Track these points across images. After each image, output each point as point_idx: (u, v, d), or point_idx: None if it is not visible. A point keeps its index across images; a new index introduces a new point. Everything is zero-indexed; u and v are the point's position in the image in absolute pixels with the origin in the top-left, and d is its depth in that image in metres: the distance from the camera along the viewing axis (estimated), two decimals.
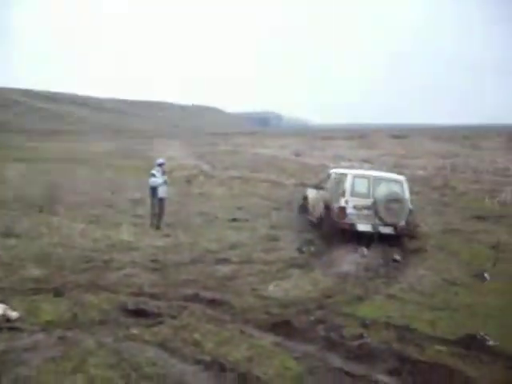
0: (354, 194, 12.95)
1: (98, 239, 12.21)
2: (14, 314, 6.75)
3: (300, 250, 11.86)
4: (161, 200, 14.42)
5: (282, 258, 11.18)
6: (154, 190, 14.44)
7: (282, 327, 6.81)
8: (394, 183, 13.59)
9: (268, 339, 6.46)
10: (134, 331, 6.49)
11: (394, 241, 12.72)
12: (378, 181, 13.30)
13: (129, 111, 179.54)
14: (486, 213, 18.24)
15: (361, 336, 6.59)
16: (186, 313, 7.24)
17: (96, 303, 7.49)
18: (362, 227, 12.69)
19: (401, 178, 14.12)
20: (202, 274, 9.63)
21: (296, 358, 5.86)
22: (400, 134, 73.99)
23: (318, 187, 15.31)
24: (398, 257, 11.43)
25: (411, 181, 26.83)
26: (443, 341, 6.62)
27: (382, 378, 5.42)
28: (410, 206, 13.46)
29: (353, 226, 12.69)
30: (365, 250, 11.87)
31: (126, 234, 12.67)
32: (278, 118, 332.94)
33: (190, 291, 8.38)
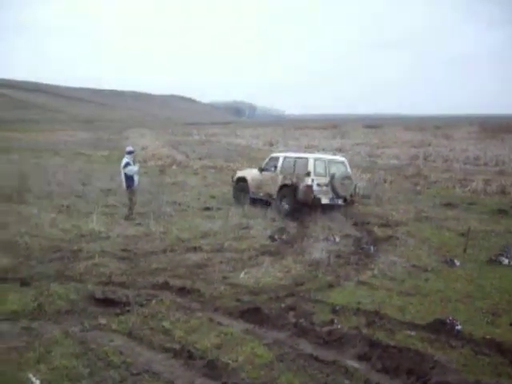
0: (316, 173, 14.95)
1: (67, 229, 12.04)
2: None
3: (272, 238, 11.83)
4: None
5: (254, 245, 11.13)
6: (131, 178, 14.29)
7: (252, 314, 6.75)
8: (341, 164, 15.95)
9: (238, 327, 6.41)
10: (102, 321, 6.39)
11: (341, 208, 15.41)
12: (330, 163, 15.66)
13: (102, 101, 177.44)
14: (457, 201, 18.43)
15: (331, 322, 6.57)
16: (155, 301, 7.15)
17: (63, 293, 7.36)
18: (325, 200, 14.92)
19: (344, 159, 16.65)
20: (172, 263, 9.54)
21: (266, 345, 5.81)
22: (373, 124, 74.46)
23: (260, 169, 16.84)
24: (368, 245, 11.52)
25: (385, 169, 27.25)
26: (413, 326, 6.63)
27: (351, 363, 5.40)
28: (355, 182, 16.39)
29: (318, 200, 14.75)
30: (337, 238, 11.92)
31: (96, 224, 12.49)
32: (252, 108, 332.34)
33: (159, 279, 8.29)
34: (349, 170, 15.85)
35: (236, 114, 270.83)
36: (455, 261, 10.20)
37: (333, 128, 71.47)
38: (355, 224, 13.99)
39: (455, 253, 10.93)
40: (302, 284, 8.46)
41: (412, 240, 12.07)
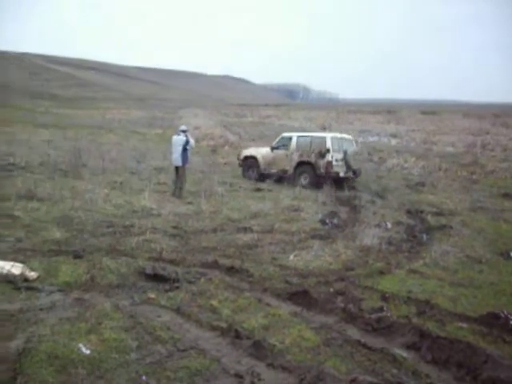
0: (334, 150, 16.91)
1: (120, 205, 12.26)
2: (32, 274, 6.77)
3: (323, 222, 11.73)
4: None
5: (304, 228, 11.06)
6: (187, 156, 14.73)
7: (300, 297, 6.70)
8: (350, 142, 18.19)
9: (286, 308, 6.37)
10: (151, 295, 6.47)
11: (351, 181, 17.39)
12: (343, 140, 17.74)
13: (156, 80, 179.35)
14: None
15: (380, 309, 6.45)
16: (203, 279, 7.19)
17: (114, 267, 7.48)
18: (342, 174, 17.03)
19: (351, 137, 19.27)
20: (222, 242, 9.57)
21: (313, 329, 5.76)
22: (430, 110, 72.76)
23: (272, 148, 18.66)
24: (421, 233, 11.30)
25: (440, 157, 26.61)
26: (465, 318, 6.43)
27: (399, 352, 5.29)
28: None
29: (337, 173, 16.95)
30: (389, 224, 11.72)
31: (148, 201, 12.67)
32: (306, 90, 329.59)
33: (209, 258, 8.33)
34: (355, 146, 18.45)
35: (290, 97, 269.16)
36: (511, 253, 9.88)
37: (387, 113, 70.17)
38: (408, 211, 13.70)
39: (511, 245, 10.57)
40: (351, 269, 8.34)
41: (466, 230, 11.74)
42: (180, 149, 14.31)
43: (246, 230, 10.63)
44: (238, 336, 5.36)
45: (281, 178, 17.91)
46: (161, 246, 8.87)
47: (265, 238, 10.00)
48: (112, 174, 17.34)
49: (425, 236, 10.98)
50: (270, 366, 4.82)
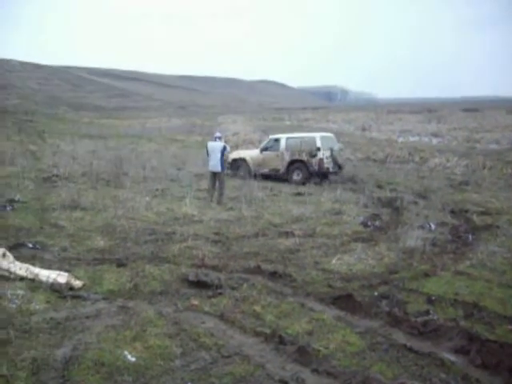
0: (323, 149, 18.57)
1: (161, 212, 12.38)
2: (77, 283, 6.89)
3: (365, 224, 11.60)
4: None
5: (346, 231, 10.95)
6: (224, 162, 15.04)
7: (344, 301, 6.62)
8: (334, 140, 20.16)
9: (330, 313, 6.30)
10: (194, 302, 6.50)
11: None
12: (328, 138, 19.71)
13: (195, 87, 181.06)
14: None
15: (426, 312, 6.32)
16: (246, 285, 7.19)
17: (157, 274, 7.56)
18: (331, 169, 18.87)
19: (333, 135, 21.04)
20: (264, 247, 9.55)
21: (358, 333, 5.68)
22: (471, 107, 71.38)
23: (261, 150, 20.39)
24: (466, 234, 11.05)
25: (484, 155, 26.05)
26: None
27: (448, 356, 5.17)
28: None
29: (328, 169, 18.76)
30: (433, 225, 11.51)
31: (189, 207, 12.76)
32: (344, 92, 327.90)
33: (251, 264, 8.31)
34: (338, 144, 20.43)
35: (328, 99, 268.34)
36: None
37: (428, 112, 69.15)
38: (452, 211, 13.40)
39: None
40: (395, 272, 8.20)
41: None
42: (219, 155, 14.42)
43: (287, 234, 10.58)
44: (282, 342, 5.33)
45: (269, 177, 19.69)
46: (203, 252, 8.90)
47: (307, 242, 9.94)
48: (153, 181, 17.55)
49: (470, 236, 10.74)
50: (315, 371, 4.78)
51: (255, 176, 19.24)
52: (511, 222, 12.03)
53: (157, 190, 15.78)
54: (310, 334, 5.63)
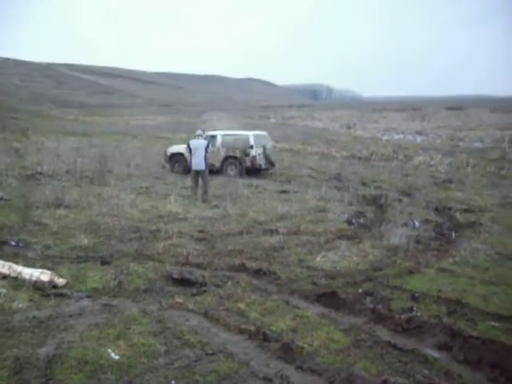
0: (256, 146, 19.65)
1: (146, 210, 12.32)
2: (60, 281, 6.84)
3: (349, 222, 11.64)
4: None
5: (331, 229, 10.97)
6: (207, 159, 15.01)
7: (328, 298, 6.64)
8: (267, 138, 21.11)
9: (314, 310, 6.31)
10: (179, 300, 6.48)
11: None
12: (261, 137, 20.65)
13: (180, 85, 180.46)
14: None
15: (410, 309, 6.36)
16: (231, 283, 7.18)
17: (142, 272, 7.52)
18: (263, 166, 19.94)
19: (266, 133, 21.92)
20: (248, 245, 9.53)
21: (342, 330, 5.70)
22: (456, 106, 71.88)
23: None
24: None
25: (467, 153, 26.27)
26: (497, 316, 6.29)
27: (431, 352, 5.21)
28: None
29: (260, 165, 19.88)
30: (416, 223, 11.58)
31: (173, 205, 12.72)
32: (329, 90, 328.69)
33: (236, 261, 8.30)
34: (271, 142, 21.49)
35: (313, 97, 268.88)
36: None
37: (412, 110, 69.52)
38: (436, 209, 13.50)
39: None
40: (379, 269, 8.23)
41: (496, 227, 11.50)
42: (203, 152, 14.43)
43: (272, 232, 10.57)
44: (266, 339, 5.33)
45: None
46: (187, 250, 8.87)
47: (291, 240, 9.94)
48: (137, 179, 17.50)
49: (454, 234, 10.82)
50: (299, 368, 4.78)
51: (189, 170, 19.35)
52: (494, 220, 12.15)
53: (141, 187, 15.72)
54: (294, 331, 5.63)
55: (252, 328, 5.61)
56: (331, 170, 21.27)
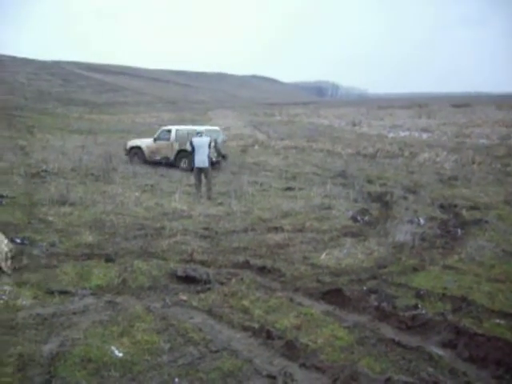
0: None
1: (151, 207, 12.33)
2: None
3: (354, 219, 11.61)
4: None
5: (336, 226, 10.94)
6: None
7: (333, 296, 6.63)
8: (218, 132, 21.84)
9: (318, 308, 6.31)
10: (183, 297, 6.48)
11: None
12: (212, 131, 21.05)
13: (186, 83, 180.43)
14: None
15: (415, 307, 6.33)
16: (235, 280, 7.17)
17: (146, 269, 7.52)
18: (214, 159, 19.00)
19: (219, 128, 23.25)
20: (253, 242, 9.53)
21: (346, 328, 5.69)
22: (461, 103, 71.59)
23: (154, 139, 21.90)
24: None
25: (473, 150, 26.13)
26: (503, 314, 6.25)
27: (436, 350, 5.19)
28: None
29: (211, 158, 17.70)
30: (422, 220, 11.54)
31: (178, 203, 12.72)
32: (335, 87, 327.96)
33: (240, 258, 8.31)
34: (222, 136, 22.10)
35: (319, 94, 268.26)
36: None
37: (418, 107, 69.29)
38: (441, 206, 13.43)
39: None
40: (384, 267, 8.21)
41: (502, 224, 11.43)
42: (206, 150, 14.46)
43: (277, 229, 10.56)
44: (270, 336, 5.33)
45: (161, 163, 21.18)
46: (192, 247, 8.88)
47: (296, 237, 9.92)
48: (142, 177, 17.51)
49: (459, 231, 10.77)
50: (303, 366, 4.78)
51: (148, 162, 21.39)
52: (500, 217, 12.09)
53: (146, 185, 15.72)
54: (298, 328, 5.62)
55: (256, 325, 5.61)
56: (336, 167, 21.16)
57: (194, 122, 45.99)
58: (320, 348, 5.15)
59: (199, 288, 6.83)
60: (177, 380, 4.45)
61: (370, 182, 17.60)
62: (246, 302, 6.35)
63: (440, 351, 5.16)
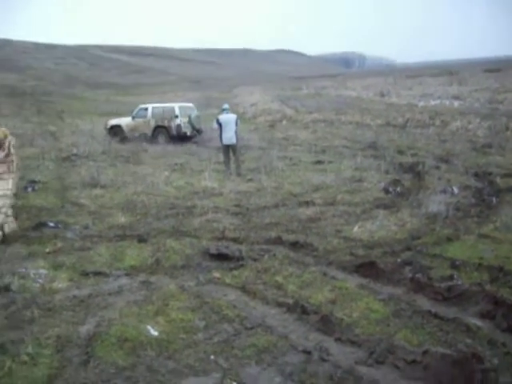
0: (181, 116, 22.31)
1: (181, 186, 12.39)
2: None
3: (386, 191, 11.46)
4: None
5: (368, 198, 10.82)
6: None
7: (366, 269, 6.55)
8: (192, 109, 23.83)
9: (352, 281, 6.25)
10: (216, 275, 6.49)
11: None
12: (187, 108, 23.46)
13: (211, 60, 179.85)
14: None
15: (450, 278, 6.22)
16: (267, 256, 7.16)
17: (178, 248, 7.56)
18: (188, 133, 22.42)
19: (192, 104, 25.01)
20: (284, 217, 9.48)
21: (381, 301, 5.63)
22: (493, 68, 69.81)
23: (132, 117, 23.55)
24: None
25: (507, 116, 25.47)
26: None
27: (473, 321, 5.10)
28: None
29: (185, 133, 22.41)
30: (455, 189, 11.33)
31: (208, 181, 12.73)
32: (362, 58, 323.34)
33: (272, 234, 8.28)
34: (196, 112, 23.69)
35: (345, 66, 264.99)
36: None
37: (449, 74, 67.78)
38: (475, 175, 13.17)
39: None
40: (418, 238, 8.08)
41: None
42: (233, 126, 14.39)
43: (308, 203, 10.50)
44: (304, 311, 5.30)
45: (140, 139, 22.19)
46: (223, 224, 8.89)
47: (328, 211, 9.84)
48: (172, 156, 17.58)
49: (494, 199, 10.55)
50: (339, 340, 4.75)
51: (127, 139, 22.46)
52: None
53: (176, 164, 15.78)
54: (332, 302, 5.58)
55: (290, 301, 5.58)
56: (366, 138, 20.88)
57: (220, 100, 45.92)
58: (355, 322, 5.11)
59: (232, 265, 6.84)
60: (212, 357, 4.47)
61: (400, 152, 17.34)
62: (279, 278, 6.33)
63: (478, 322, 5.07)
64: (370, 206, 10.26)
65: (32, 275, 6.38)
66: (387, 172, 13.74)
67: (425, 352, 4.34)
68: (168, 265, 6.96)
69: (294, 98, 48.40)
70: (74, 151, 18.07)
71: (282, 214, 9.71)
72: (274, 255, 7.21)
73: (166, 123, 22.62)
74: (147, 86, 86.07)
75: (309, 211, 9.87)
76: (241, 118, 18.11)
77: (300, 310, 5.35)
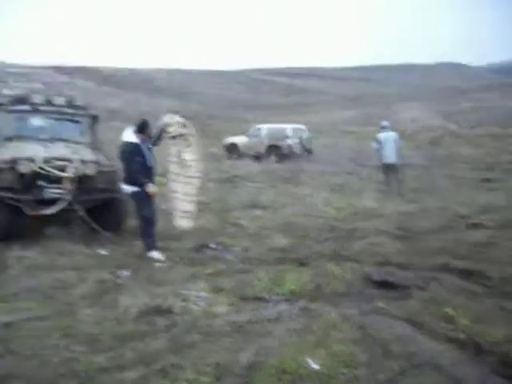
0: (293, 137, 24.16)
1: (340, 207, 12.16)
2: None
3: None
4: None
5: None
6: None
7: None
8: (303, 130, 25.38)
9: None
10: (379, 304, 6.11)
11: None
12: (298, 130, 25.30)
13: (368, 77, 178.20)
14: None
15: None
16: (434, 284, 6.64)
17: (339, 273, 7.26)
18: (299, 152, 23.76)
19: (305, 127, 26.28)
20: (451, 241, 8.84)
21: None
22: None
23: (248, 136, 25.70)
24: None
25: None
26: None
27: None
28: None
29: (295, 152, 23.74)
30: None
31: (369, 201, 12.37)
32: None
33: (438, 260, 7.72)
34: (307, 133, 25.37)
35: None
36: None
37: None
38: None
39: None
40: None
41: None
42: (393, 144, 13.90)
43: (476, 226, 9.74)
44: (479, 350, 4.76)
45: (255, 158, 24.00)
46: (386, 248, 8.49)
47: (501, 235, 9.01)
48: (330, 176, 17.43)
49: None
50: None
51: (241, 156, 24.76)
52: None
53: (335, 184, 15.60)
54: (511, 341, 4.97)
55: (462, 336, 5.07)
56: None
57: (379, 117, 45.12)
58: None
59: (396, 293, 6.43)
60: None
61: None
62: (448, 309, 5.80)
63: None
64: None
65: (193, 297, 6.46)
66: None
67: None
68: (328, 291, 6.71)
69: (456, 112, 46.19)
70: (235, 172, 18.60)
71: (449, 238, 9.06)
72: (441, 283, 6.67)
73: (278, 143, 24.20)
74: (305, 106, 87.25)
75: (479, 235, 9.12)
76: (401, 135, 17.52)
77: (474, 347, 4.83)
